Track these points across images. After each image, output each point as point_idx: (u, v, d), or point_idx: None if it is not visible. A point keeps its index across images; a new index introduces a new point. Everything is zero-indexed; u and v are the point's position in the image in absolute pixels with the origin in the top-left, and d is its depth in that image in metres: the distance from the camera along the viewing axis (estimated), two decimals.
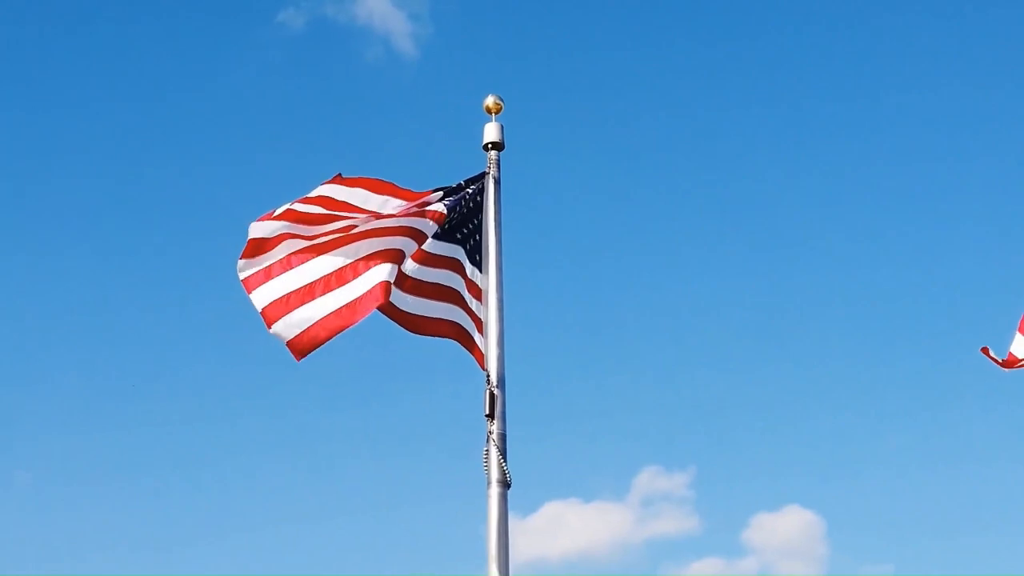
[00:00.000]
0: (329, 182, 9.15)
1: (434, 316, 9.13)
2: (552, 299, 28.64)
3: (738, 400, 28.77)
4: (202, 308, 28.49)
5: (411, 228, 8.87)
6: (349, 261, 8.65)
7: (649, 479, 28.08)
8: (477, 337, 9.07)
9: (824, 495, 28.04)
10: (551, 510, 27.13)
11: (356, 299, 8.52)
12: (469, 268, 9.30)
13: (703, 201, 30.55)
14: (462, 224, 9.30)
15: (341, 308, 8.51)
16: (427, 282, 9.11)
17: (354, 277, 8.59)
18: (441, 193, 9.30)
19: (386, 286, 8.49)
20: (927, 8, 31.23)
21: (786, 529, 27.88)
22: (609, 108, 30.96)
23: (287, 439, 27.17)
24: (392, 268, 8.57)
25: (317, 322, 8.48)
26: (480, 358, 8.99)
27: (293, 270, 8.69)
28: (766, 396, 28.80)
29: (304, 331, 8.49)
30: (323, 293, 8.56)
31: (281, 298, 8.58)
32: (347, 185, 9.15)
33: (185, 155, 29.64)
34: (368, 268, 8.57)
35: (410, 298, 9.05)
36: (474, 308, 9.17)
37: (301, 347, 8.50)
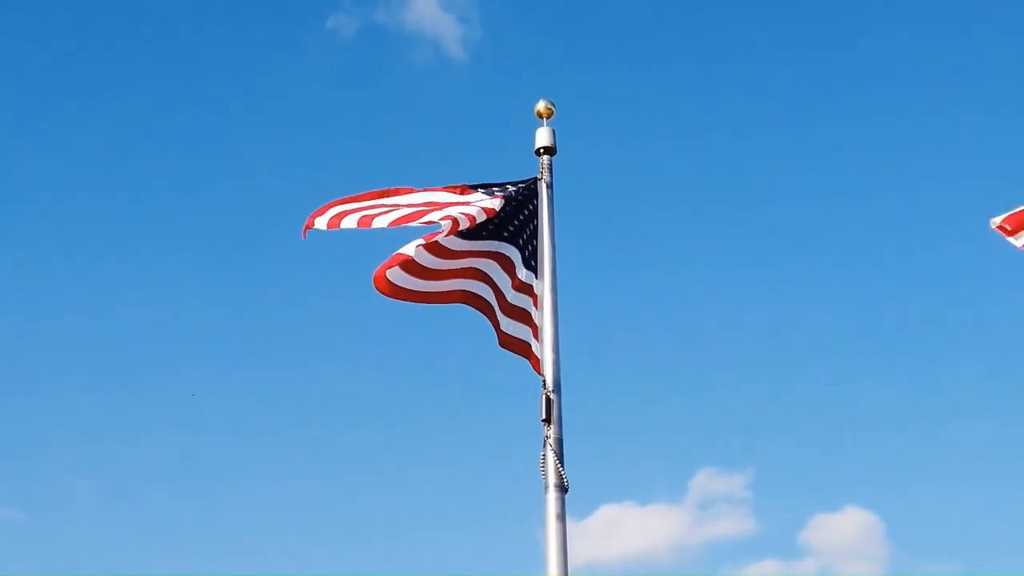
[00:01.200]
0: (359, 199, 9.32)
1: (448, 289, 9.15)
2: (606, 302, 28.59)
3: (795, 400, 28.62)
4: (261, 312, 28.67)
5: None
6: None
7: (706, 481, 27.98)
8: (533, 343, 9.09)
9: (883, 495, 27.81)
10: (607, 513, 27.07)
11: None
12: (523, 272, 9.32)
13: (757, 203, 30.41)
14: (521, 230, 9.31)
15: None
16: (453, 268, 9.18)
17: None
18: (480, 194, 9.33)
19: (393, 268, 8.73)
20: None
21: (845, 530, 27.68)
22: (662, 110, 30.87)
23: (346, 441, 27.30)
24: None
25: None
26: (536, 362, 9.01)
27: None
28: (822, 396, 28.62)
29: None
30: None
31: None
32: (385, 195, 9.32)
33: (234, 161, 29.85)
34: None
35: (424, 281, 9.09)
36: (534, 314, 9.17)
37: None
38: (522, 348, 9.09)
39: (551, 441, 8.63)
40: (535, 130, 9.79)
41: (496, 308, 9.15)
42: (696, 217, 30.23)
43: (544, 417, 8.69)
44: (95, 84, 30.01)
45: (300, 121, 30.31)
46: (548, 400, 8.76)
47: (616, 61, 31.09)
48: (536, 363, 8.99)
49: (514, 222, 9.29)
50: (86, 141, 29.59)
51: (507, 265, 9.25)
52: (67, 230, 29.01)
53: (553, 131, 9.75)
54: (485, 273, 9.17)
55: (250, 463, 26.69)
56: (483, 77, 30.62)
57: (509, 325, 9.12)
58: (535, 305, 9.19)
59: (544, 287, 9.23)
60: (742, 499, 27.45)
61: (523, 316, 9.18)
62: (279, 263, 28.26)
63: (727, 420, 28.05)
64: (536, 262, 9.33)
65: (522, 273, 9.26)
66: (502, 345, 9.12)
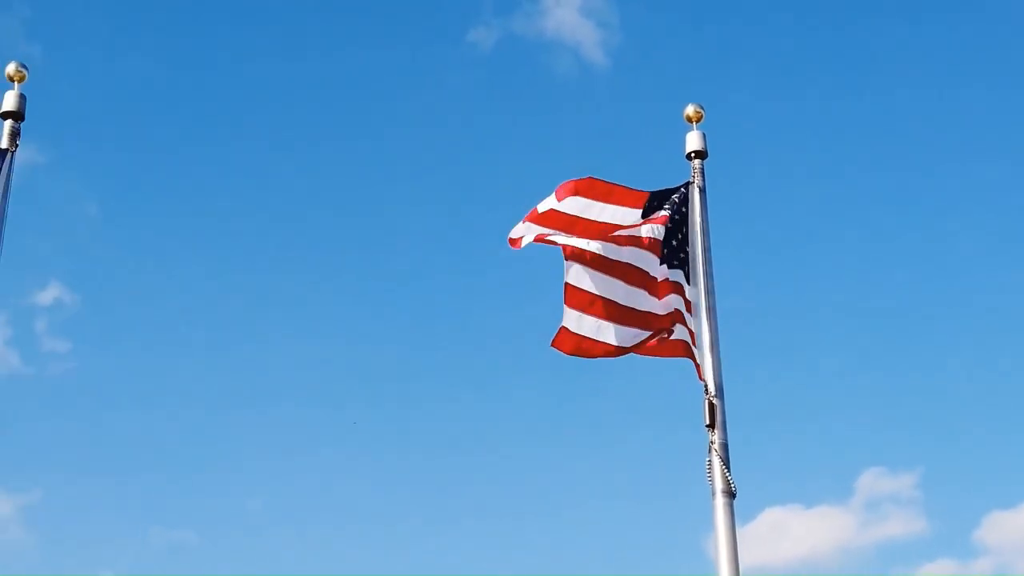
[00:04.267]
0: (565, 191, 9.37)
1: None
2: (765, 304, 28.27)
3: (965, 395, 27.94)
4: (433, 319, 28.97)
5: (637, 268, 9.01)
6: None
7: (873, 481, 27.46)
8: (693, 349, 9.01)
9: None
10: (772, 516, 26.75)
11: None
12: (687, 288, 9.25)
13: (917, 201, 29.79)
14: (669, 239, 9.18)
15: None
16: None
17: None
18: (653, 203, 9.27)
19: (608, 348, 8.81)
20: None
21: (1023, 527, 26.91)
22: (814, 109, 30.43)
23: (517, 451, 27.43)
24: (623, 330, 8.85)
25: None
26: (697, 369, 8.92)
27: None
28: (994, 389, 27.90)
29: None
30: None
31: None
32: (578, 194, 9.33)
33: (381, 177, 30.22)
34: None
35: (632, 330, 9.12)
36: (689, 320, 9.10)
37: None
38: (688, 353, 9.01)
39: (716, 447, 8.55)
40: (684, 134, 9.73)
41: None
42: (853, 216, 29.75)
43: (708, 423, 8.63)
44: (247, 102, 30.69)
45: (445, 137, 30.62)
46: (711, 405, 8.68)
47: (762, 59, 30.77)
48: (699, 370, 8.91)
49: (672, 240, 9.22)
50: (236, 160, 30.28)
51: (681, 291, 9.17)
52: (234, 256, 29.69)
53: (703, 135, 9.68)
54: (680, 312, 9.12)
55: (428, 458, 26.87)
56: (626, 82, 30.54)
57: (697, 352, 9.01)
58: (689, 311, 9.11)
59: (700, 292, 9.16)
60: (911, 498, 26.89)
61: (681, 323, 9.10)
62: (438, 273, 28.58)
63: (893, 418, 27.52)
64: (688, 268, 9.25)
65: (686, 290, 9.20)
66: (700, 377, 9.00)
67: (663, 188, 9.45)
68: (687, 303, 9.11)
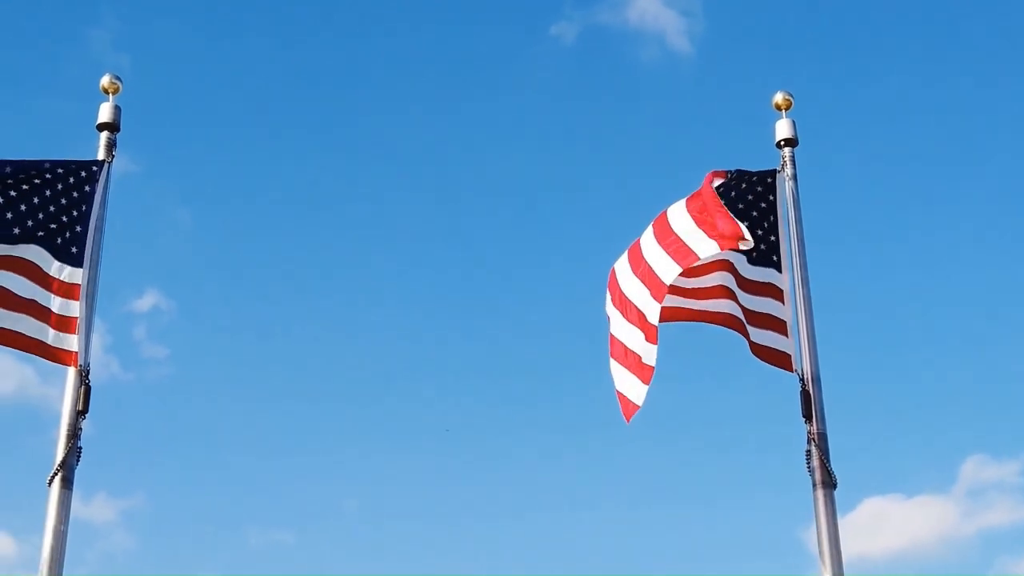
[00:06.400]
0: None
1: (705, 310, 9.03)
2: (860, 292, 27.90)
3: None
4: (525, 326, 29.03)
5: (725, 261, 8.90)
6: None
7: (975, 468, 27.00)
8: (780, 340, 8.88)
9: None
10: (872, 506, 26.41)
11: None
12: (748, 269, 9.07)
13: (1011, 185, 29.25)
14: (753, 229, 8.93)
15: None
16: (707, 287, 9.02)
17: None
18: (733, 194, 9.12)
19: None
20: None
21: None
22: (908, 93, 29.99)
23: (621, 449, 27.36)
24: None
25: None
26: (787, 360, 8.82)
27: None
28: None
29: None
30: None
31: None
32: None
33: (471, 175, 30.30)
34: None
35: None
36: (775, 311, 8.93)
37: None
38: (773, 356, 8.86)
39: (814, 437, 8.43)
40: (774, 123, 9.63)
41: (743, 320, 8.93)
42: (946, 202, 29.31)
43: (804, 413, 8.51)
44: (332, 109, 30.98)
45: (532, 130, 30.63)
46: (807, 395, 8.56)
47: (850, 43, 30.39)
48: (787, 361, 8.80)
49: (758, 230, 9.09)
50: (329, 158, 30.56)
51: (732, 270, 9.03)
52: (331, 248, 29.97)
53: (793, 122, 9.57)
54: (726, 288, 9.02)
55: (516, 482, 26.98)
56: (713, 71, 30.31)
57: (757, 334, 8.89)
58: (779, 300, 9.01)
59: (795, 280, 9.03)
60: (1016, 486, 26.43)
61: (767, 320, 8.95)
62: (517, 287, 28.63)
63: (996, 403, 27.05)
64: (777, 256, 9.14)
65: (746, 271, 9.08)
66: (755, 354, 8.93)
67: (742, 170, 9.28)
68: (776, 291, 9.03)
